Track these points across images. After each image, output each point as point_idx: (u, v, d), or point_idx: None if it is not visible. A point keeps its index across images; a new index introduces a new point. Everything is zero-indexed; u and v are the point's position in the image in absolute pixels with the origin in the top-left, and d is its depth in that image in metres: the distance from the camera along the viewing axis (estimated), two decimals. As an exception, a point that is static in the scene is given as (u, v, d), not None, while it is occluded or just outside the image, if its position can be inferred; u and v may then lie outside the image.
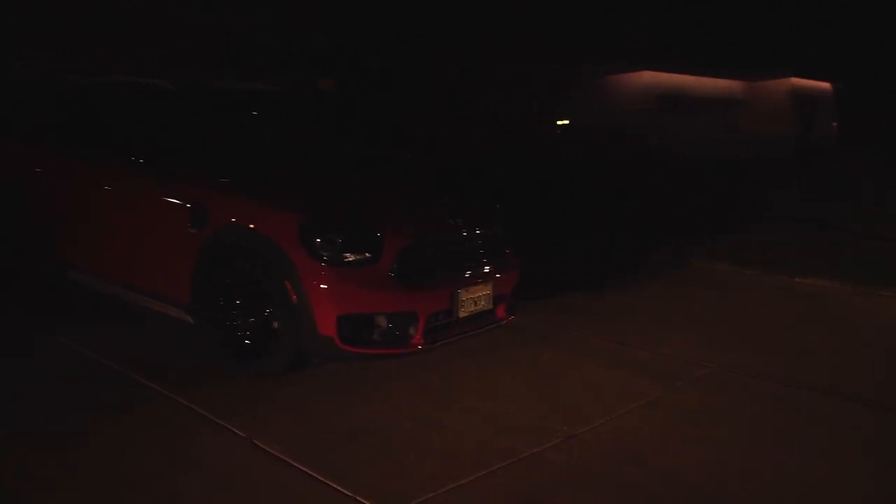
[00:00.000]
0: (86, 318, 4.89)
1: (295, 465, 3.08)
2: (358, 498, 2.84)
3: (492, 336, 4.62)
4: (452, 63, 15.20)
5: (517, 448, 3.31)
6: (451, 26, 15.06)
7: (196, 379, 3.92)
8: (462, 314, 4.15)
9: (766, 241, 8.67)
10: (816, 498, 3.06)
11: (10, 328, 4.68)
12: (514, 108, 15.98)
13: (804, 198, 12.99)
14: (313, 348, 3.87)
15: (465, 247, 4.32)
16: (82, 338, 4.44)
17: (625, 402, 3.90)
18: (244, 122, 5.47)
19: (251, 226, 3.94)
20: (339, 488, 2.90)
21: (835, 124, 28.74)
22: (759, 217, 10.79)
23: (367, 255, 3.85)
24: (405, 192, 4.88)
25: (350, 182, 4.80)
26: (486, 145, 12.42)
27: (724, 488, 3.08)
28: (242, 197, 4.09)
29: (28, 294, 5.33)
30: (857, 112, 27.93)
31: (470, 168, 10.02)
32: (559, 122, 19.18)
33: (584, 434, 3.50)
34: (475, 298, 4.21)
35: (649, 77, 21.94)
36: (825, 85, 28.21)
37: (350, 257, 3.83)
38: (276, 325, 3.91)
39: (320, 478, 2.98)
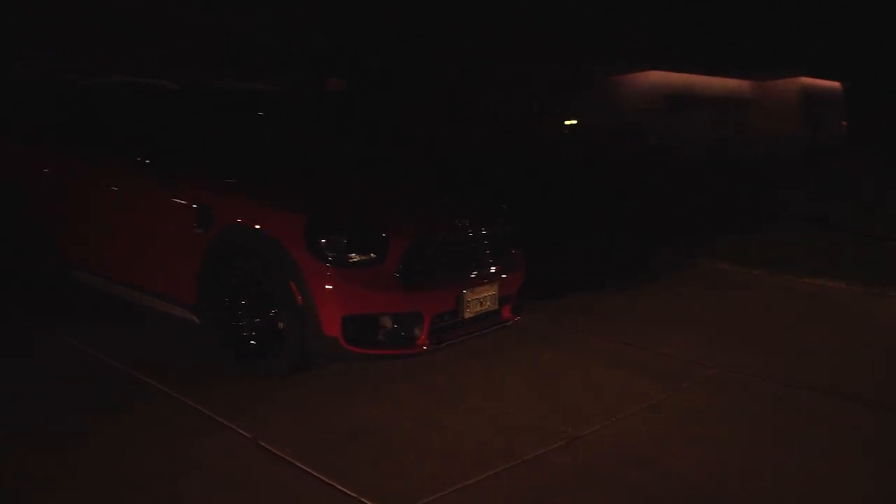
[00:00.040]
0: (86, 318, 4.89)
1: (295, 464, 3.08)
2: (358, 498, 2.84)
3: (497, 336, 4.62)
4: (452, 63, 15.16)
5: (519, 449, 3.31)
6: (451, 26, 15.02)
7: (196, 379, 3.92)
8: (468, 315, 4.13)
9: (768, 241, 8.65)
10: (816, 498, 3.06)
11: (10, 328, 4.68)
12: (515, 108, 15.96)
13: (810, 198, 12.96)
14: (318, 349, 3.86)
15: (471, 247, 4.29)
16: (82, 338, 4.44)
17: (626, 402, 3.90)
18: (247, 122, 5.46)
19: (257, 226, 3.94)
20: (339, 488, 2.91)
21: (844, 123, 28.69)
22: (763, 217, 10.77)
23: (372, 255, 3.84)
24: (409, 193, 4.86)
25: (353, 182, 4.79)
26: (487, 145, 12.40)
27: (724, 488, 3.08)
28: (248, 197, 4.08)
29: (28, 294, 5.33)
30: (867, 111, 27.87)
31: (470, 168, 10.00)
32: (567, 122, 19.11)
33: (586, 435, 3.49)
34: (481, 299, 4.20)
35: (657, 77, 21.90)
36: (835, 84, 28.15)
37: (355, 258, 3.82)
38: (281, 325, 3.90)
39: (321, 478, 2.98)
